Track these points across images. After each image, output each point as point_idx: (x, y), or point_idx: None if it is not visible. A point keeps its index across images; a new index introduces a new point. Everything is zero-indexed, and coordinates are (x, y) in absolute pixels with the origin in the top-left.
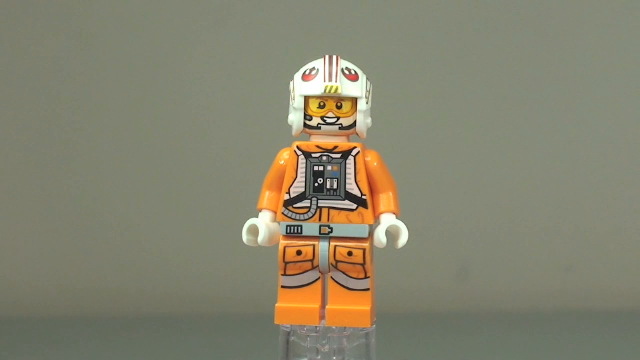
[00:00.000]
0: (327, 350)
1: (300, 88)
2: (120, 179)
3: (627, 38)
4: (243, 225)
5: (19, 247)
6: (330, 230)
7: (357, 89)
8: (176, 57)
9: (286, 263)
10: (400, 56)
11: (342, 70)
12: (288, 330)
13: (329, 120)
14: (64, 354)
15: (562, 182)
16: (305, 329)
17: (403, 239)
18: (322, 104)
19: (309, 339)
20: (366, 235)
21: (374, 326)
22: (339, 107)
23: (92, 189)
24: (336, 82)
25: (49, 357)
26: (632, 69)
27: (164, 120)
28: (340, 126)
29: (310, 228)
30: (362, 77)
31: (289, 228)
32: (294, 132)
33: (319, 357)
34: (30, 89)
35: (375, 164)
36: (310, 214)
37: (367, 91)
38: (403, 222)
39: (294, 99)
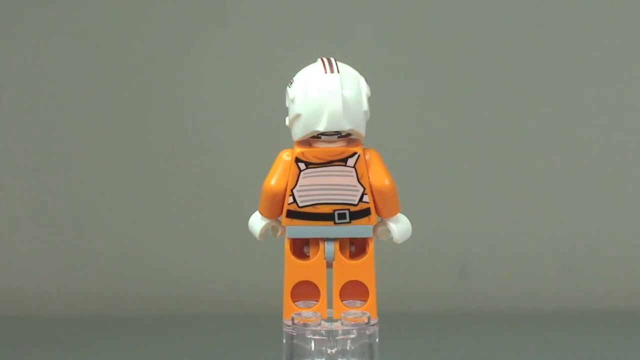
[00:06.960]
0: (334, 353)
1: None
2: (119, 179)
3: (627, 38)
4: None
5: (19, 247)
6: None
7: None
8: (173, 59)
9: None
10: (400, 56)
11: None
12: (293, 334)
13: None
14: (64, 354)
15: (562, 182)
16: (311, 331)
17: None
18: None
19: (313, 341)
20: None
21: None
22: None
23: (92, 189)
24: None
25: (49, 357)
26: (632, 69)
27: (164, 121)
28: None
29: None
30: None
31: None
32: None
33: (324, 359)
34: (30, 90)
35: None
36: None
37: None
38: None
39: None
